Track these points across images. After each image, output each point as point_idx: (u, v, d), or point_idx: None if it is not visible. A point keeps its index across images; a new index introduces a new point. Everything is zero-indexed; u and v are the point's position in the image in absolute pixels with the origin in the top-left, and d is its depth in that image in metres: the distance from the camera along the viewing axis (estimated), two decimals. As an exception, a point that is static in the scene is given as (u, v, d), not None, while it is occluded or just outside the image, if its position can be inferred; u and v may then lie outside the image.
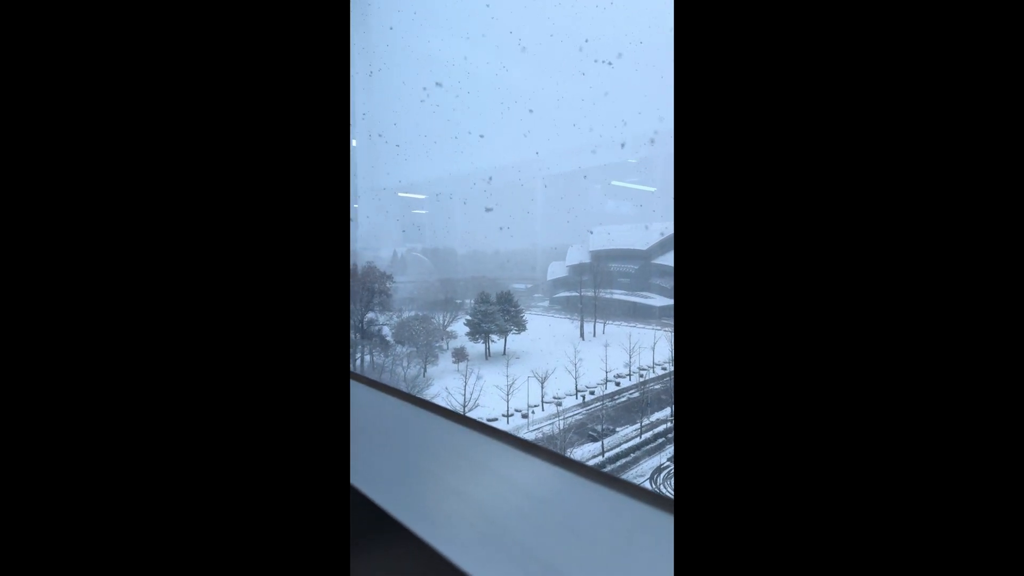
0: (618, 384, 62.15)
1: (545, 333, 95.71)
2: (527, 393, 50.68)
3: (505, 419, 43.73)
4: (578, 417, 49.63)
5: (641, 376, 63.42)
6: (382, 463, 1.71)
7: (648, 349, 76.42)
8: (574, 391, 56.35)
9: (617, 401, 56.11)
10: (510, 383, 48.10)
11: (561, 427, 42.22)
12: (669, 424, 47.36)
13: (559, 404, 50.60)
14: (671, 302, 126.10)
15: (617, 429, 47.58)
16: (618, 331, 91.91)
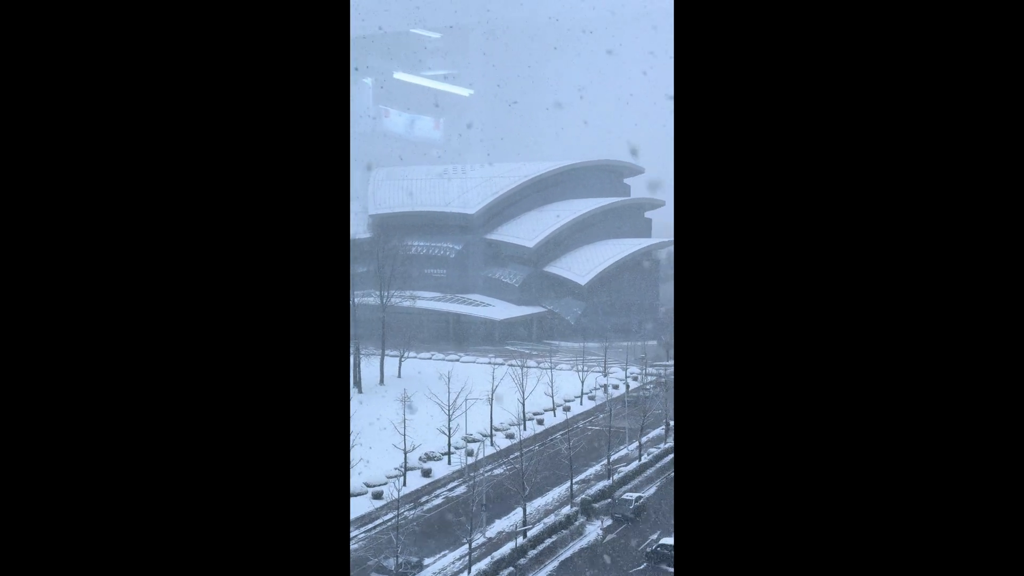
0: (428, 473, 40.86)
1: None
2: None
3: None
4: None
5: (470, 455, 41.65)
6: None
7: (482, 401, 43.39)
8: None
9: (427, 507, 36.27)
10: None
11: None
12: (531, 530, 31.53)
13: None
14: (527, 310, 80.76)
15: (426, 562, 30.81)
16: (427, 369, 51.54)
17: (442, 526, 32.25)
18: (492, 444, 41.16)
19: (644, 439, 42.60)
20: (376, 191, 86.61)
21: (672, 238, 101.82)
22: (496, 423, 44.60)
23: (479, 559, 28.78)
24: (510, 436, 44.26)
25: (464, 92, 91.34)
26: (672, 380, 55.63)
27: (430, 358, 63.92)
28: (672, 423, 45.84)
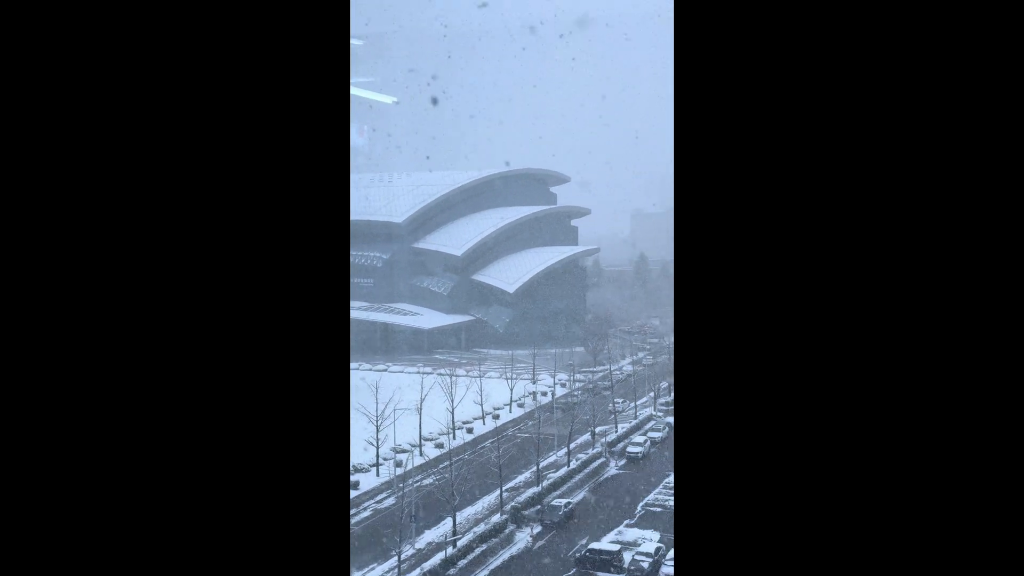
0: (356, 485, 39.64)
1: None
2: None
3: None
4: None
5: (399, 466, 40.60)
6: None
7: (411, 411, 43.11)
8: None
9: (354, 520, 35.23)
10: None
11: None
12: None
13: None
14: (455, 319, 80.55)
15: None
16: (354, 379, 49.44)
17: (371, 539, 31.79)
18: (421, 454, 40.77)
19: (572, 445, 42.92)
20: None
21: (598, 246, 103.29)
22: (425, 433, 44.22)
23: (408, 571, 28.47)
24: (439, 446, 43.95)
25: (388, 100, 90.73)
26: (596, 386, 56.47)
27: (357, 368, 62.98)
28: (597, 429, 46.54)
